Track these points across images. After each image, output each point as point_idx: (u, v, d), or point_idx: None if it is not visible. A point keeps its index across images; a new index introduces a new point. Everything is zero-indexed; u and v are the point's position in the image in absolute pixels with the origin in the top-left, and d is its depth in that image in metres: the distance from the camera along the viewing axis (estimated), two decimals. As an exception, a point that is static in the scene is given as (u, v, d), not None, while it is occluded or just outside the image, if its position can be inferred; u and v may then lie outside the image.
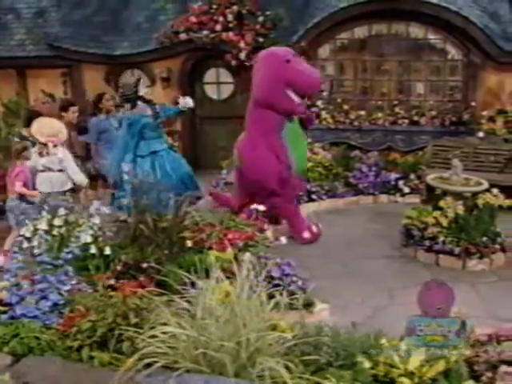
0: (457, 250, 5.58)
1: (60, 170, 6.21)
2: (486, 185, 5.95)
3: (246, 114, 6.32)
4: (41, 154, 6.19)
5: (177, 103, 7.31)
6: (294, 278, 4.55)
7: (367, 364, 2.52)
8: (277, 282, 4.36)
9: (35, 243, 4.34)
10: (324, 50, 9.44)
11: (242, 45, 9.27)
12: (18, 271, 3.67)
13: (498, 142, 8.25)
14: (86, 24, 10.34)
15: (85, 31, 10.26)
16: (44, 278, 3.42)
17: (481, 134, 8.48)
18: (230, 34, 9.33)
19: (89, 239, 4.60)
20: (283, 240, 5.00)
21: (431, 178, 6.33)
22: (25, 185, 5.94)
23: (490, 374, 2.42)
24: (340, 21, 9.00)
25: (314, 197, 7.80)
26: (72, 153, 6.99)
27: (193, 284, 2.93)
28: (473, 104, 9.02)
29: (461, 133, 8.84)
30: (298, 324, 2.97)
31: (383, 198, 8.16)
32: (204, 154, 10.18)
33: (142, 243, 4.69)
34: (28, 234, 4.83)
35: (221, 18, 9.41)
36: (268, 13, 9.41)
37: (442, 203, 5.76)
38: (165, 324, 2.57)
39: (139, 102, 6.76)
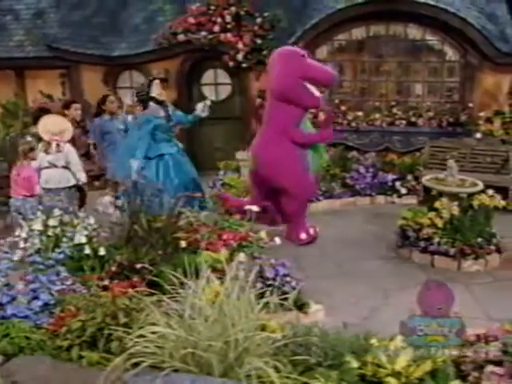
0: (452, 250, 5.57)
1: (64, 167, 6.32)
2: (481, 186, 5.95)
3: (264, 114, 6.33)
4: (46, 152, 6.30)
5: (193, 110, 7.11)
6: (288, 279, 4.55)
7: (355, 364, 2.53)
8: (270, 282, 4.37)
9: (29, 244, 4.34)
10: (322, 51, 9.45)
11: (239, 46, 9.29)
12: (8, 271, 3.68)
13: (495, 143, 8.26)
14: (85, 25, 10.37)
15: (83, 32, 10.28)
16: (36, 278, 3.44)
17: (478, 135, 8.49)
18: (228, 35, 9.36)
19: (83, 240, 4.61)
20: (277, 240, 5.00)
21: (427, 178, 6.34)
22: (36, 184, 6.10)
23: (476, 374, 2.42)
24: (337, 22, 9.02)
25: (311, 197, 7.80)
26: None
27: (182, 284, 2.94)
28: (470, 105, 9.04)
29: (458, 134, 8.86)
30: (289, 324, 2.97)
31: (380, 198, 8.16)
32: (201, 155, 10.17)
33: (136, 244, 4.69)
34: (24, 235, 4.87)
35: (219, 19, 9.43)
36: (266, 14, 9.43)
37: (437, 204, 5.77)
38: (153, 324, 2.58)
39: (151, 103, 6.69)
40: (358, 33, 9.31)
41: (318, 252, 6.16)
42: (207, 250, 4.61)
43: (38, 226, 4.91)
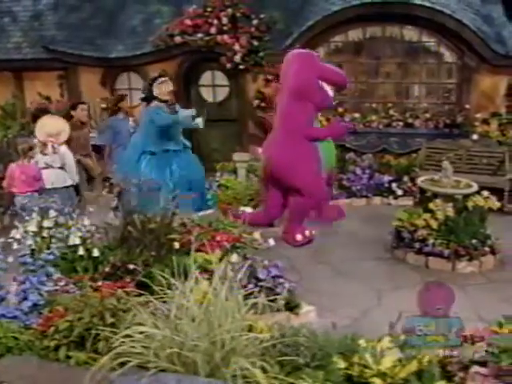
0: (446, 252, 5.58)
1: (60, 168, 6.44)
2: (475, 187, 5.95)
3: (277, 115, 6.45)
4: (42, 152, 6.40)
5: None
6: (281, 280, 4.55)
7: (342, 364, 2.53)
8: (263, 283, 4.38)
9: (21, 245, 4.35)
10: (318, 53, 9.44)
11: (236, 47, 9.31)
12: (0, 272, 3.69)
13: (491, 144, 8.27)
14: (82, 27, 10.41)
15: (81, 34, 10.32)
16: (27, 278, 3.46)
17: (475, 137, 8.50)
18: (225, 36, 9.38)
19: (77, 241, 4.63)
20: (271, 242, 5.01)
21: (421, 180, 6.35)
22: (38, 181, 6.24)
23: (462, 375, 2.43)
24: (333, 24, 9.03)
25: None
26: (83, 151, 7.13)
27: (172, 285, 2.94)
28: (467, 106, 9.04)
29: (455, 135, 8.87)
30: (277, 325, 2.98)
31: (376, 200, 8.17)
32: (198, 156, 10.18)
33: (130, 245, 4.70)
34: (18, 236, 4.88)
35: (215, 21, 9.45)
36: (262, 16, 9.45)
37: (431, 205, 5.77)
38: (140, 324, 2.59)
39: (156, 102, 6.70)
40: (355, 34, 9.33)
41: (313, 253, 6.16)
42: (200, 251, 4.62)
43: (32, 227, 4.94)
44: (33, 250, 4.63)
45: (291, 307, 4.42)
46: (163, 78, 6.80)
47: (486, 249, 5.69)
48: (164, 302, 2.81)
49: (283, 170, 6.17)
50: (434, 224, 5.73)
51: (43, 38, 10.28)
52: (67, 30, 10.38)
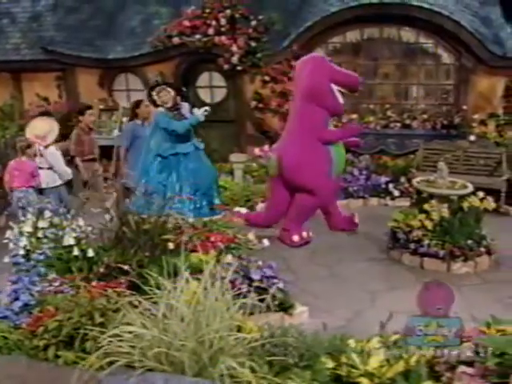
0: (441, 252, 5.58)
1: (49, 168, 6.51)
2: (471, 188, 5.95)
3: (289, 119, 6.52)
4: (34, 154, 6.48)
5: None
6: (275, 281, 4.56)
7: (331, 364, 2.54)
8: (257, 284, 4.38)
9: (15, 246, 4.37)
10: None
11: (234, 49, 9.32)
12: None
13: (488, 145, 8.27)
14: (81, 28, 10.43)
15: (79, 35, 10.34)
16: (19, 278, 3.47)
17: (472, 138, 8.51)
18: (223, 37, 9.39)
19: (71, 241, 4.64)
20: (266, 242, 5.01)
21: (417, 180, 6.35)
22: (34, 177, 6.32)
23: (449, 375, 2.44)
24: (331, 25, 9.04)
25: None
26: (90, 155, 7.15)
27: (163, 285, 2.95)
28: (464, 107, 9.05)
29: (453, 136, 8.88)
30: (266, 325, 2.98)
31: (373, 201, 8.18)
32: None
33: (124, 245, 4.71)
34: (13, 237, 4.89)
35: (213, 22, 9.46)
36: (260, 17, 9.46)
37: (426, 206, 5.77)
38: (128, 324, 2.60)
39: (161, 108, 6.69)
40: (353, 36, 9.35)
41: (309, 254, 6.17)
42: (194, 251, 4.63)
43: (27, 227, 4.96)
44: (28, 250, 4.65)
45: (285, 308, 4.44)
46: (160, 87, 6.76)
47: (482, 249, 5.69)
48: (154, 302, 2.82)
49: (294, 169, 6.19)
50: (429, 225, 5.73)
51: (42, 39, 10.31)
52: (66, 31, 10.40)
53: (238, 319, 2.80)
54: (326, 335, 3.10)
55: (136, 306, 2.81)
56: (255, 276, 4.39)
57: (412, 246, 5.78)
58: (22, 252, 4.54)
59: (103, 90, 10.32)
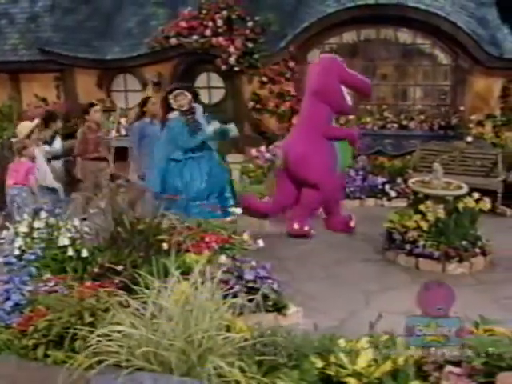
0: (436, 253, 5.59)
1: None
2: (466, 188, 5.96)
3: (299, 115, 6.87)
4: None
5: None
6: (269, 281, 4.56)
7: (320, 364, 2.55)
8: (251, 284, 4.39)
9: (9, 246, 4.38)
10: (313, 55, 9.48)
11: (231, 49, 9.34)
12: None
13: (484, 146, 8.28)
14: (79, 29, 10.46)
15: (77, 36, 10.37)
16: (11, 278, 3.48)
17: (469, 139, 8.51)
18: (220, 38, 9.41)
19: (66, 241, 4.65)
20: (260, 243, 5.01)
21: (412, 181, 6.36)
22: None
23: (437, 374, 2.44)
24: (328, 26, 9.06)
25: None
26: (95, 155, 7.15)
27: (153, 286, 2.96)
28: (461, 108, 9.07)
29: (450, 137, 8.90)
30: (257, 325, 2.99)
31: (370, 201, 8.18)
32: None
33: (119, 246, 4.72)
34: (9, 237, 4.90)
35: (210, 23, 9.48)
36: (257, 18, 9.48)
37: (421, 207, 5.78)
38: (118, 323, 2.61)
39: (175, 113, 6.58)
40: (349, 36, 9.37)
41: (304, 254, 6.17)
42: (189, 251, 4.64)
43: (23, 228, 4.97)
44: (23, 250, 4.65)
45: (279, 308, 4.44)
46: (178, 91, 6.64)
47: (477, 250, 5.69)
48: (144, 302, 2.83)
49: (298, 163, 6.46)
50: (425, 225, 5.73)
51: (39, 40, 10.33)
52: (63, 32, 10.43)
53: (228, 319, 2.81)
54: (317, 335, 3.12)
55: (127, 306, 2.82)
56: (248, 276, 4.39)
57: (407, 246, 5.78)
58: (17, 252, 4.55)
59: (101, 90, 10.34)
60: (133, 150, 7.22)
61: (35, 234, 4.90)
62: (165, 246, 4.66)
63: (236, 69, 9.48)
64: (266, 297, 4.40)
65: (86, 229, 5.13)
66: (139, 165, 7.10)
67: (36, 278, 4.08)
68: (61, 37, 10.35)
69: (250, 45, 9.35)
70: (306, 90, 6.67)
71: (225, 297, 3.02)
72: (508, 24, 8.99)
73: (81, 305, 2.89)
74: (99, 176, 7.28)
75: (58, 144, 7.47)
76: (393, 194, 8.12)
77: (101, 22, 10.54)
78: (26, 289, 3.47)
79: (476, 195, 5.90)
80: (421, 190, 6.05)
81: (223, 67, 9.53)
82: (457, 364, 2.46)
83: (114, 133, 9.63)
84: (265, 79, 9.48)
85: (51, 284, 3.97)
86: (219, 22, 9.44)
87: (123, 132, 9.67)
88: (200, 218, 5.78)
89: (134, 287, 3.01)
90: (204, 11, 9.55)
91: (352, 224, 6.82)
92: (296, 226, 6.51)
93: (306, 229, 6.56)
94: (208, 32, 9.46)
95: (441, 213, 5.72)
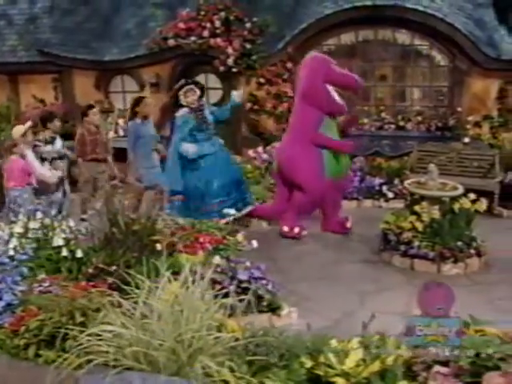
0: (431, 254, 5.59)
1: None
2: (461, 189, 5.96)
3: (291, 118, 6.82)
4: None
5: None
6: (263, 282, 4.57)
7: (309, 364, 2.55)
8: (245, 285, 4.40)
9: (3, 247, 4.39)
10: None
11: (229, 51, 9.35)
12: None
13: (481, 147, 8.28)
14: (77, 30, 10.48)
15: (75, 37, 10.40)
16: (3, 278, 3.49)
17: (466, 140, 8.52)
18: (218, 39, 9.43)
19: (60, 242, 4.66)
20: (254, 244, 5.02)
21: (408, 182, 6.37)
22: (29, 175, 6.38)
23: (425, 374, 2.45)
24: (326, 27, 9.07)
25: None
26: (93, 156, 7.17)
27: (145, 286, 2.97)
28: (459, 109, 9.07)
29: (447, 138, 8.90)
30: (249, 325, 3.00)
31: (367, 202, 8.18)
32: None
33: (113, 246, 4.72)
34: (6, 237, 4.92)
35: (208, 25, 9.50)
36: (255, 19, 9.49)
37: (416, 208, 5.79)
38: (108, 323, 2.62)
39: (183, 109, 6.61)
40: (347, 38, 9.38)
41: (300, 255, 6.17)
42: (182, 252, 4.65)
43: (18, 228, 4.98)
44: (18, 251, 4.66)
45: (273, 308, 4.45)
46: (189, 86, 6.65)
47: (472, 251, 5.69)
48: (135, 302, 2.83)
49: (286, 166, 6.55)
50: (420, 226, 5.74)
51: (38, 41, 10.35)
52: (62, 34, 10.45)
53: (219, 319, 2.82)
54: (310, 336, 3.12)
55: (119, 306, 2.83)
56: (242, 277, 4.40)
57: (402, 247, 5.79)
58: (12, 253, 4.56)
59: (99, 91, 10.35)
60: (129, 151, 7.15)
61: (30, 235, 4.93)
62: (158, 246, 4.67)
63: (234, 70, 9.49)
64: (260, 297, 4.42)
65: (83, 229, 5.16)
66: (135, 167, 7.08)
67: (30, 279, 4.10)
68: (59, 38, 10.37)
69: (248, 46, 9.36)
70: (296, 92, 6.69)
71: (218, 297, 3.02)
72: (505, 25, 9.00)
73: (72, 305, 2.90)
74: (98, 177, 7.30)
75: (59, 144, 7.48)
76: (390, 195, 8.11)
77: (99, 23, 10.57)
78: (17, 289, 3.48)
79: (472, 196, 5.90)
80: (416, 190, 6.06)
81: (221, 68, 9.55)
82: (445, 364, 2.47)
83: (112, 134, 9.65)
84: (262, 80, 9.49)
85: (46, 284, 3.99)
86: (217, 24, 9.46)
87: (121, 133, 9.67)
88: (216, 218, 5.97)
89: (125, 287, 3.01)
90: (202, 12, 9.57)
91: (348, 225, 6.82)
92: (285, 228, 6.56)
93: (296, 231, 6.57)
94: (206, 33, 9.48)
95: (436, 214, 5.72)
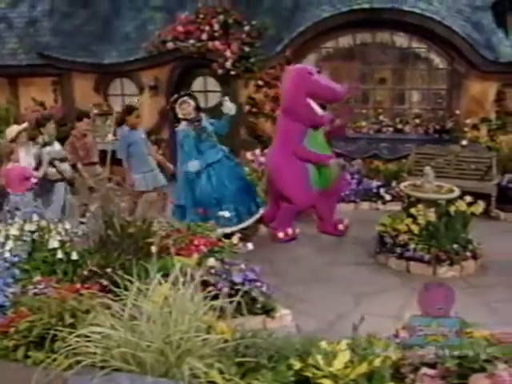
0: (427, 256, 5.60)
1: None
2: (457, 192, 5.97)
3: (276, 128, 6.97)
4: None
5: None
6: (258, 284, 4.58)
7: (298, 366, 2.56)
8: (239, 287, 4.40)
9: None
10: (309, 59, 9.50)
11: (227, 54, 9.37)
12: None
13: (479, 150, 8.28)
14: (77, 33, 10.51)
15: (75, 40, 10.42)
16: (-4, 280, 3.51)
17: (464, 142, 8.52)
18: (216, 43, 9.45)
19: (56, 244, 4.68)
20: (250, 246, 5.04)
21: (404, 185, 6.38)
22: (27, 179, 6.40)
23: (412, 376, 2.45)
24: (324, 30, 9.09)
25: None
26: (88, 160, 7.20)
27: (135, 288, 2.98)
28: (457, 112, 9.08)
29: (445, 141, 8.90)
30: (239, 327, 3.01)
31: (364, 205, 8.19)
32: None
33: (108, 248, 4.74)
34: (1, 239, 4.94)
35: (207, 28, 9.52)
36: (254, 22, 9.52)
37: (412, 210, 5.79)
38: (97, 325, 2.63)
39: (183, 123, 6.59)
40: (345, 41, 9.39)
41: (296, 257, 6.19)
42: (180, 255, 4.65)
43: (14, 230, 5.00)
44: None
45: (267, 310, 4.46)
46: (182, 99, 6.63)
47: (467, 254, 5.70)
48: (125, 304, 2.85)
49: (273, 175, 6.70)
50: (416, 229, 5.75)
51: (38, 44, 10.39)
52: (62, 37, 10.48)
53: (209, 321, 2.83)
54: (301, 338, 3.13)
55: (109, 308, 2.84)
56: (237, 279, 4.42)
57: (398, 250, 5.80)
58: (7, 255, 4.58)
59: (99, 94, 10.38)
60: (122, 158, 7.03)
61: (24, 237, 4.95)
62: (153, 249, 4.68)
63: (232, 73, 9.50)
64: (254, 299, 4.43)
65: (80, 232, 5.18)
66: (129, 173, 6.98)
67: (25, 280, 4.12)
68: (59, 41, 10.40)
69: (247, 49, 9.37)
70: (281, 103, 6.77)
71: (210, 298, 3.04)
72: (503, 28, 9.01)
73: (62, 306, 2.92)
74: (96, 181, 7.32)
75: (57, 147, 7.48)
76: (388, 197, 8.12)
77: (99, 26, 10.60)
78: (9, 290, 3.50)
79: (468, 198, 5.90)
80: (412, 193, 6.07)
81: (220, 71, 9.56)
82: (432, 366, 2.48)
83: (110, 136, 9.66)
84: (261, 83, 9.51)
85: (41, 286, 4.01)
86: (216, 27, 9.47)
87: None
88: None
89: (115, 289, 3.02)
90: (201, 16, 9.59)
91: (344, 227, 6.83)
92: (280, 235, 6.59)
93: (290, 232, 6.63)
94: (204, 36, 9.50)
95: (431, 216, 5.73)
